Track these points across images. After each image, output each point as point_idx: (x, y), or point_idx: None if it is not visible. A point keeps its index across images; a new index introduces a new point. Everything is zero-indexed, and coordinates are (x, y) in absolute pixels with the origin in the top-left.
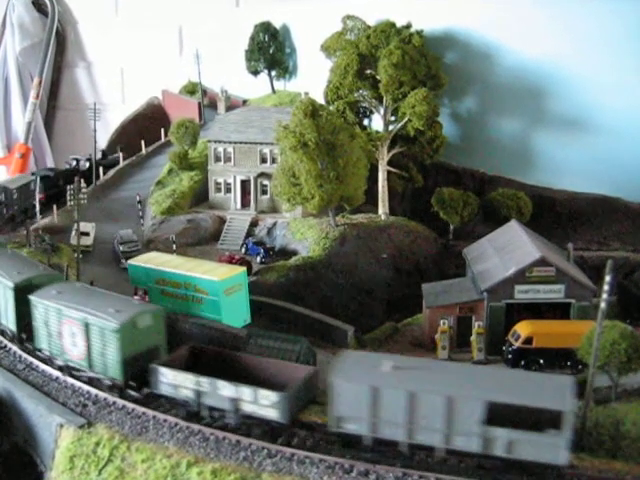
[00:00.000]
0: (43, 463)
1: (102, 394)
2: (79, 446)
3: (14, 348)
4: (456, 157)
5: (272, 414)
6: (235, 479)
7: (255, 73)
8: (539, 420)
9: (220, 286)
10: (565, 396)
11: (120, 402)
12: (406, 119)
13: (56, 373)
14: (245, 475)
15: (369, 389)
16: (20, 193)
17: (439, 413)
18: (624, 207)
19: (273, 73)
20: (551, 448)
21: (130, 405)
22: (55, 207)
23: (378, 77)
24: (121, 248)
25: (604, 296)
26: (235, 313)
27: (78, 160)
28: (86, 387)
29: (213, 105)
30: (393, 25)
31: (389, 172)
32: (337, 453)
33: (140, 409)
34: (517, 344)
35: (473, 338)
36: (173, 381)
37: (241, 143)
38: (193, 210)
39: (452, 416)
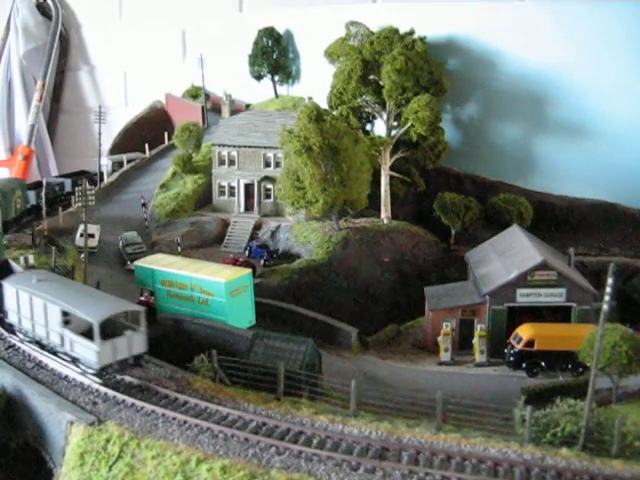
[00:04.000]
0: (52, 460)
1: (112, 392)
2: (89, 443)
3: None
4: (458, 162)
5: None
6: (244, 475)
7: (258, 78)
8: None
9: (226, 287)
10: (101, 313)
11: (129, 400)
12: (409, 124)
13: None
14: (254, 472)
15: (15, 291)
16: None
17: (41, 313)
18: (623, 213)
19: (276, 78)
20: (91, 352)
21: (139, 403)
22: (60, 209)
23: (381, 83)
24: (126, 250)
25: (606, 298)
26: (240, 314)
27: None
28: (96, 385)
29: (216, 109)
30: (396, 31)
31: (392, 177)
32: (345, 451)
33: (149, 407)
34: (519, 347)
35: (475, 341)
36: None
37: (245, 147)
38: (197, 213)
39: (47, 317)
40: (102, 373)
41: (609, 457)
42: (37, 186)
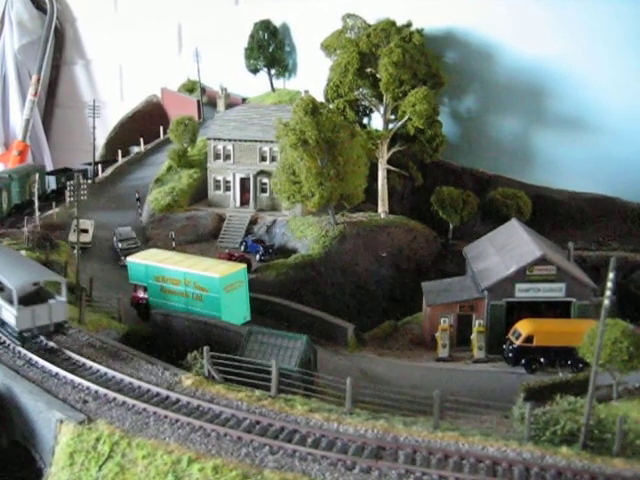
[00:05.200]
0: (42, 459)
1: (103, 390)
2: (79, 442)
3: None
4: (456, 156)
5: None
6: (237, 475)
7: (255, 71)
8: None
9: (220, 283)
10: (20, 280)
11: (121, 398)
12: (406, 118)
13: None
14: (247, 471)
15: None
16: None
17: None
18: (623, 207)
19: (273, 71)
20: (12, 317)
21: (131, 401)
22: (54, 204)
23: (378, 75)
24: (120, 245)
25: (607, 293)
26: (235, 310)
27: None
28: (86, 383)
29: (212, 103)
30: (393, 24)
31: (389, 171)
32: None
33: (141, 405)
34: (518, 342)
35: (473, 336)
36: None
37: (241, 141)
38: (192, 208)
39: None
40: (22, 337)
41: (610, 456)
42: (59, 172)
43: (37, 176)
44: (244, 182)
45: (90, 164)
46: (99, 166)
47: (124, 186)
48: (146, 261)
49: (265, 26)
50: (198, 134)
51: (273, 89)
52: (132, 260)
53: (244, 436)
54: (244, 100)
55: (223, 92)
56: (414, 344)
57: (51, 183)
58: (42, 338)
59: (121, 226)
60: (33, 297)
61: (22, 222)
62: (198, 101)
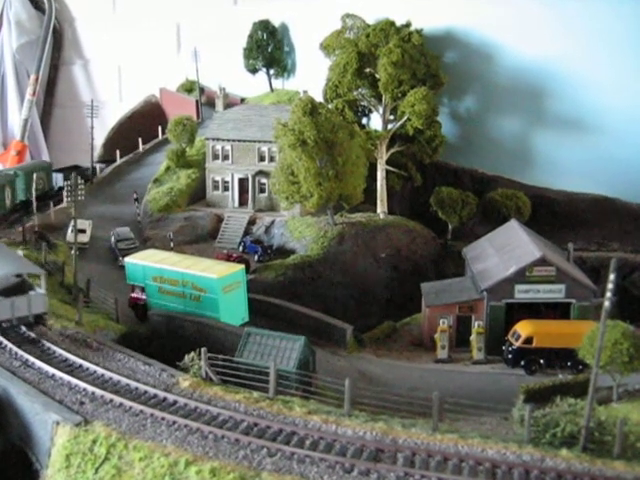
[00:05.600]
0: (39, 461)
1: (99, 391)
2: (75, 444)
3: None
4: (455, 157)
5: None
6: (234, 478)
7: (253, 71)
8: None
9: (218, 284)
10: None
11: (117, 400)
12: (405, 118)
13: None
14: (244, 474)
15: None
16: None
17: None
18: (623, 208)
19: (271, 71)
20: None
21: (128, 403)
22: (52, 204)
23: (377, 76)
24: (119, 245)
25: (608, 295)
26: (233, 311)
27: None
28: (83, 384)
29: (211, 103)
30: (393, 24)
31: (388, 171)
32: (338, 452)
33: (138, 407)
34: (517, 344)
35: (473, 338)
36: None
37: (239, 141)
38: (190, 208)
39: None
40: (1, 327)
41: (610, 458)
42: (68, 169)
43: (38, 174)
44: (243, 182)
45: (99, 163)
46: (97, 166)
47: (122, 186)
48: (144, 261)
49: (264, 26)
50: (197, 134)
51: (272, 89)
52: (130, 260)
53: (242, 438)
54: (243, 100)
55: (222, 92)
56: (413, 345)
57: (59, 180)
58: (24, 329)
59: (119, 226)
60: (15, 289)
61: (23, 220)
62: (197, 101)
